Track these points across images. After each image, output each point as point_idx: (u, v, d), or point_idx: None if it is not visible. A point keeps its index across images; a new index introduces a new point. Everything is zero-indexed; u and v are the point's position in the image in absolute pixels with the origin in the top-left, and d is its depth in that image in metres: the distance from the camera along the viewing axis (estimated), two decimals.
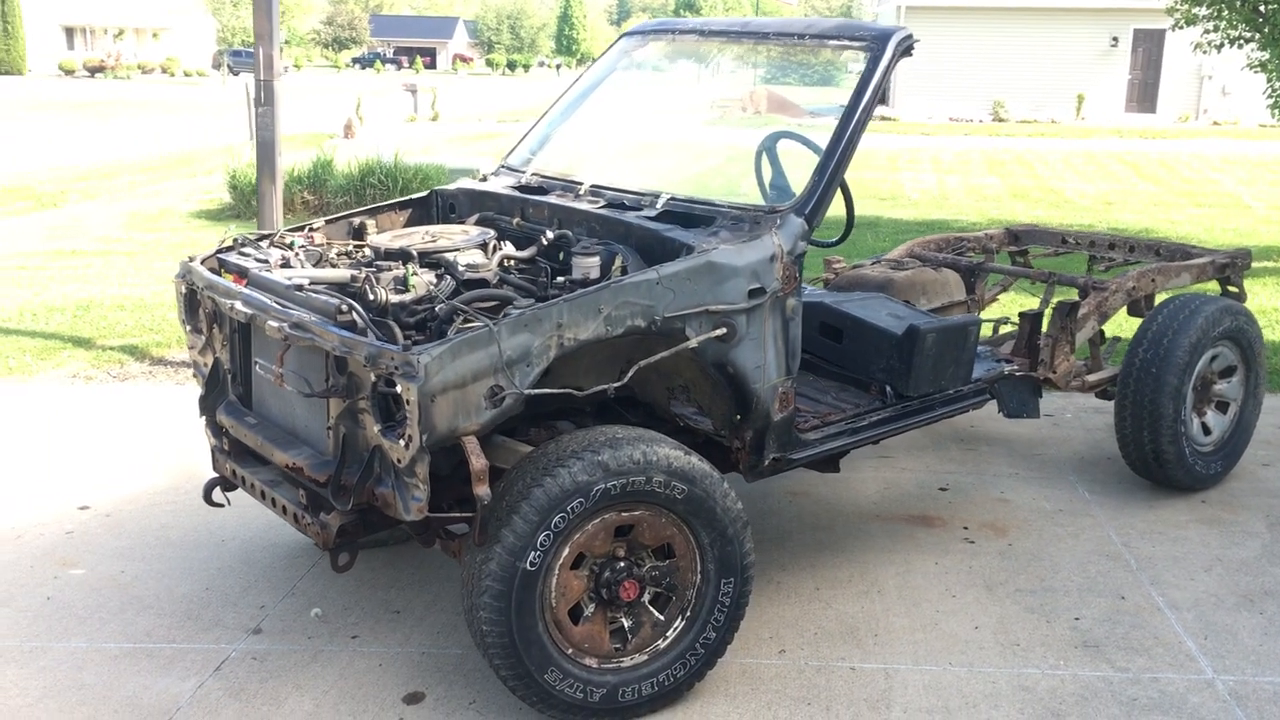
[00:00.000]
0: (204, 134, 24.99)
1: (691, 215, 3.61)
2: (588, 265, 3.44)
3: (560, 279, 3.42)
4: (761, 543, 4.45)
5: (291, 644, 3.71)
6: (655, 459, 3.14)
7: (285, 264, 3.69)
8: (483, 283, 3.44)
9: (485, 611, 3.04)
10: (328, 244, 3.96)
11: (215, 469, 3.77)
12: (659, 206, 3.68)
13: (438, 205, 4.34)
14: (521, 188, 4.13)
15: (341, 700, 3.40)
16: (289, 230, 4.03)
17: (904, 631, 3.80)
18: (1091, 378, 4.92)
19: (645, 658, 3.29)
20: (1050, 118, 31.43)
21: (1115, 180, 18.73)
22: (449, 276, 3.48)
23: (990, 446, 5.54)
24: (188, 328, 3.88)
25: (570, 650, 3.19)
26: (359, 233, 4.15)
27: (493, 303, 3.24)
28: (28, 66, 58.74)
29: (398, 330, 3.11)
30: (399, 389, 2.86)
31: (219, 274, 3.70)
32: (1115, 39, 31.88)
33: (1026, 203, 15.80)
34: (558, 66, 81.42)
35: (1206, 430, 4.93)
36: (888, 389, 4.03)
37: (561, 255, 3.67)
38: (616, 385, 3.24)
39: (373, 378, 2.93)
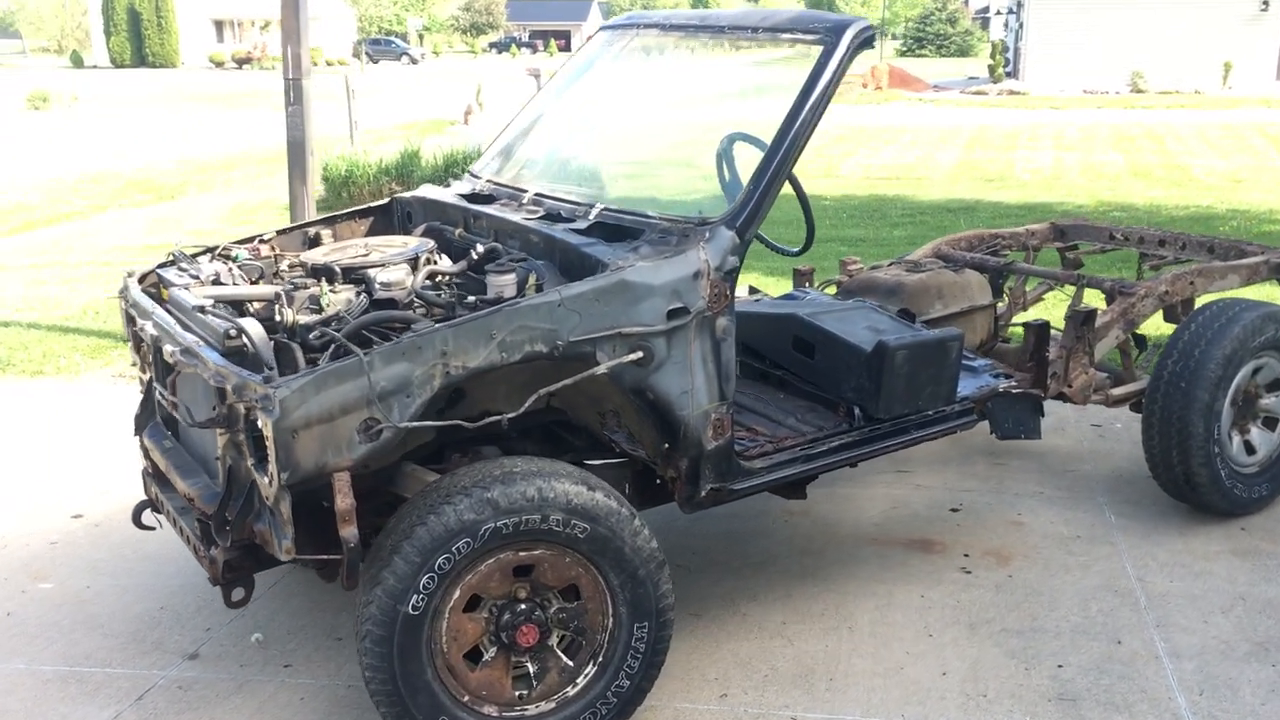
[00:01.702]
0: (330, 123, 25.43)
1: (622, 227, 3.36)
2: (502, 284, 3.23)
3: (471, 299, 3.22)
4: (741, 569, 4.20)
5: (222, 672, 3.61)
6: (552, 496, 2.91)
7: (216, 280, 3.57)
8: (392, 303, 3.25)
9: (367, 657, 2.87)
10: (278, 256, 3.84)
11: (145, 491, 3.68)
12: (591, 218, 3.44)
13: (398, 214, 4.18)
14: (469, 196, 3.93)
15: None
16: (237, 243, 3.91)
17: (864, 676, 3.50)
18: (1117, 391, 4.49)
19: (552, 706, 3.08)
20: (1194, 88, 29.86)
21: (1252, 155, 17.61)
22: (365, 295, 3.31)
23: (1022, 461, 5.14)
24: (130, 344, 3.80)
25: (466, 698, 2.99)
26: (314, 243, 4.02)
27: (398, 324, 3.06)
28: (180, 59, 61.09)
29: (299, 355, 2.96)
30: (259, 423, 2.71)
31: (159, 290, 3.62)
32: (1265, 3, 30.04)
33: (1147, 182, 14.97)
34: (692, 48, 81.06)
35: (1251, 450, 4.46)
36: (856, 411, 3.72)
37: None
38: (511, 415, 3.02)
39: (243, 409, 2.78)
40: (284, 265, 3.68)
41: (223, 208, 14.31)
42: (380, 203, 4.22)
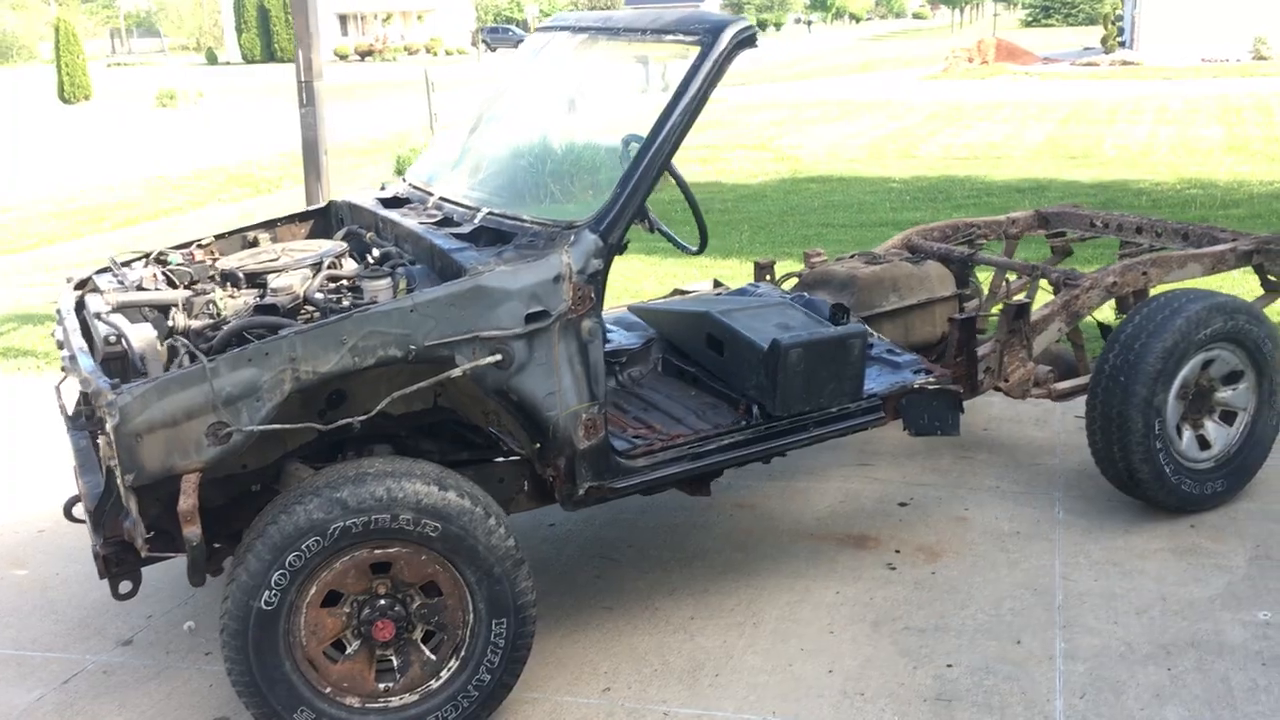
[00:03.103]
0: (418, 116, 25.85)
1: (500, 231, 3.43)
2: (375, 289, 3.34)
3: (344, 304, 3.33)
4: (669, 562, 4.24)
5: (147, 658, 3.81)
6: (401, 495, 3.01)
7: (139, 286, 3.75)
8: (274, 308, 3.38)
9: (226, 649, 3.01)
10: (214, 260, 4.01)
11: (76, 485, 3.89)
12: (476, 222, 3.52)
13: (335, 217, 4.31)
14: (385, 200, 4.04)
15: None
16: (174, 248, 4.09)
17: (750, 673, 3.52)
18: (1061, 385, 4.40)
19: (416, 698, 3.18)
20: None
21: None
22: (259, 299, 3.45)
23: (988, 455, 5.05)
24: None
25: (328, 689, 3.11)
26: (253, 247, 4.17)
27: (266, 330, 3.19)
28: None
29: (185, 358, 3.11)
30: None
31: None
32: None
33: (1240, 157, 14.39)
34: (809, 23, 79.94)
35: (1205, 444, 4.31)
36: (754, 409, 3.73)
37: None
38: (362, 418, 3.12)
39: (101, 414, 2.94)
40: (215, 270, 3.84)
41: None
42: (320, 206, 4.36)
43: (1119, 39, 33.63)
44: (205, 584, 3.10)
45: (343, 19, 67.20)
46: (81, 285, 3.93)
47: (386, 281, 3.35)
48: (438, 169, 4.07)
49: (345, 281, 3.58)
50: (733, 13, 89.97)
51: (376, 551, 3.07)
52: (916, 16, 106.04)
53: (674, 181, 3.60)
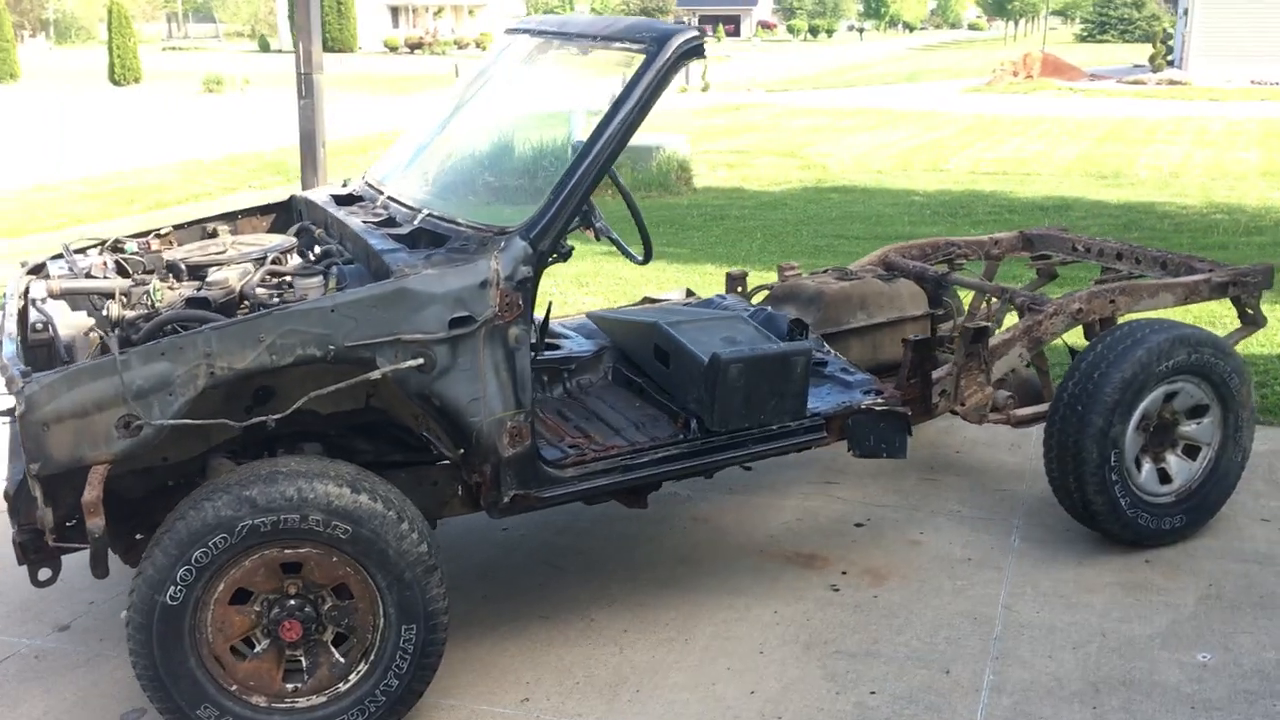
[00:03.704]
0: None
1: (436, 234, 3.41)
2: (307, 286, 3.33)
3: (275, 300, 3.32)
4: (615, 572, 4.21)
5: (80, 645, 3.82)
6: (312, 496, 3.00)
7: (88, 274, 3.76)
8: (205, 302, 3.38)
9: (130, 642, 3.01)
10: (169, 250, 4.02)
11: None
12: (415, 223, 3.50)
13: (295, 211, 4.31)
14: (338, 198, 4.04)
15: (70, 709, 3.47)
16: (131, 236, 4.10)
17: (672, 690, 3.48)
18: (1021, 412, 4.32)
19: (323, 700, 3.16)
20: None
21: None
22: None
23: (956, 477, 4.98)
24: None
25: (234, 687, 3.10)
26: (212, 238, 4.18)
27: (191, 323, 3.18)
28: (358, 44, 63.32)
29: (114, 348, 3.11)
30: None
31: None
32: None
33: (1274, 181, 14.18)
34: (861, 31, 79.54)
35: (1166, 478, 4.22)
36: (693, 422, 3.68)
37: None
38: (277, 416, 3.11)
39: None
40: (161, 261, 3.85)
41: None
42: (282, 200, 4.36)
43: (1168, 58, 33.17)
44: (109, 575, 3.09)
45: (394, 11, 67.68)
46: (36, 271, 3.95)
47: (318, 280, 3.34)
48: (392, 168, 4.06)
49: (287, 278, 3.57)
50: (783, 18, 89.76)
51: (287, 551, 3.06)
52: (973, 27, 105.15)
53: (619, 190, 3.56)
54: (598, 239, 3.67)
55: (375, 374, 3.12)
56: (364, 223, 3.66)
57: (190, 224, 4.24)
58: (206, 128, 25.74)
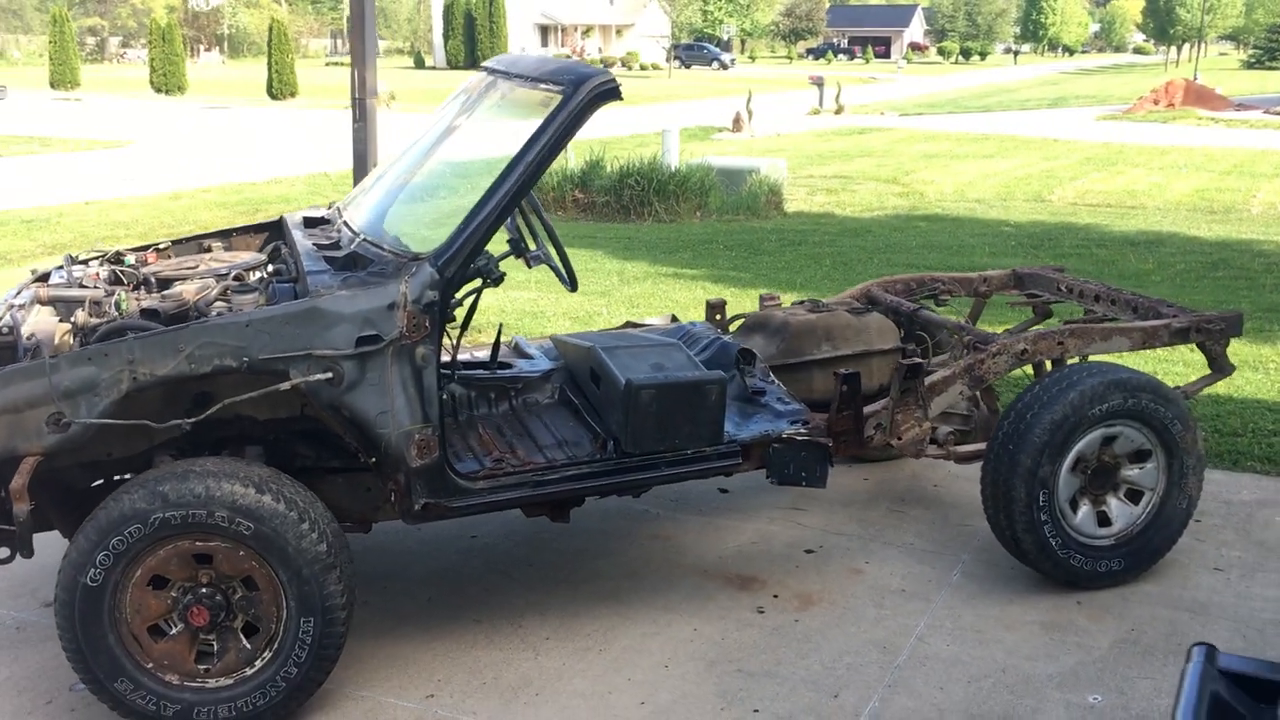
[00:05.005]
0: (614, 125, 25.88)
1: (364, 257, 3.68)
2: (242, 302, 3.63)
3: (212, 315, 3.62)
4: (558, 584, 4.41)
5: None
6: (219, 494, 3.29)
7: (80, 283, 4.14)
8: (155, 313, 3.71)
9: (57, 618, 3.34)
10: (167, 263, 4.38)
11: None
12: (350, 247, 3.78)
13: (285, 231, 4.64)
14: (309, 219, 4.34)
15: (30, 675, 3.83)
16: (131, 249, 4.48)
17: (569, 696, 3.67)
18: (962, 449, 4.37)
19: (230, 682, 3.45)
20: None
21: None
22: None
23: (926, 510, 5.03)
24: None
25: (150, 664, 3.41)
26: (207, 253, 4.54)
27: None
28: None
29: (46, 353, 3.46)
30: None
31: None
32: None
33: None
34: (1015, 54, 77.91)
35: (1106, 521, 4.22)
36: (610, 443, 3.87)
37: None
38: (191, 420, 3.40)
39: None
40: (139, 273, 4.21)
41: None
42: (274, 220, 4.70)
43: None
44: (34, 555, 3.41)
45: (544, 30, 69.17)
46: (44, 279, 4.35)
47: (253, 296, 3.64)
48: (357, 194, 4.36)
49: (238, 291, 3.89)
50: (933, 41, 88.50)
51: (198, 543, 3.35)
52: (1139, 51, 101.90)
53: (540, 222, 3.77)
54: (530, 266, 3.90)
55: (286, 385, 3.39)
56: (314, 245, 3.95)
57: (188, 239, 4.60)
58: (342, 142, 26.76)
